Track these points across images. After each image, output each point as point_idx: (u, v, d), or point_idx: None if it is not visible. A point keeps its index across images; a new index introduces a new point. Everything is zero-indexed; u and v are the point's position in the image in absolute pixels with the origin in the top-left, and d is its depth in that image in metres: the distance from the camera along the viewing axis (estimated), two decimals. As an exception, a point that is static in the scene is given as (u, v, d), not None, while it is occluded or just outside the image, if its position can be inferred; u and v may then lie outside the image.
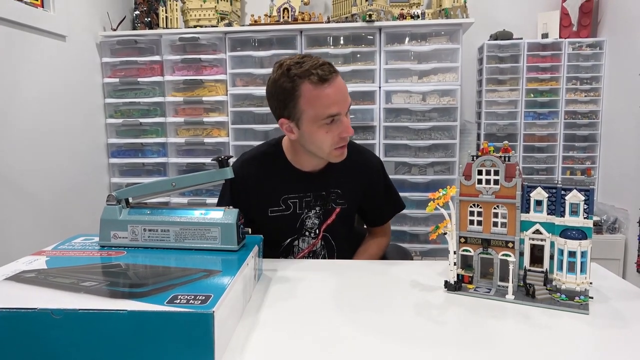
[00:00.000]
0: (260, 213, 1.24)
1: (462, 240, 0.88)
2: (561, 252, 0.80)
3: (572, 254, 0.78)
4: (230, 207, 0.90)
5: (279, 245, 1.28)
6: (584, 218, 0.78)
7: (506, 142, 0.90)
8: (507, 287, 0.84)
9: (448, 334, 0.72)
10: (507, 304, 0.82)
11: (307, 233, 1.28)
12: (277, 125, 1.21)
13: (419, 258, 2.65)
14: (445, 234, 0.88)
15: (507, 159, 0.85)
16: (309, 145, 1.18)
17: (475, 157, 0.85)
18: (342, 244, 1.33)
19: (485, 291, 0.86)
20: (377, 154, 2.64)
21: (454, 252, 0.88)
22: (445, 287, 0.88)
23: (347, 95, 1.14)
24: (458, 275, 0.89)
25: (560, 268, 0.80)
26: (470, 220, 0.87)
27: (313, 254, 1.30)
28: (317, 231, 1.28)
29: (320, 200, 1.27)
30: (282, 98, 1.12)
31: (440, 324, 0.75)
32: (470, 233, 0.87)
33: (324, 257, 1.31)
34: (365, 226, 1.46)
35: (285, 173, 1.25)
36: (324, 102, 1.09)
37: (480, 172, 0.85)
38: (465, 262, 0.90)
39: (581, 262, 0.78)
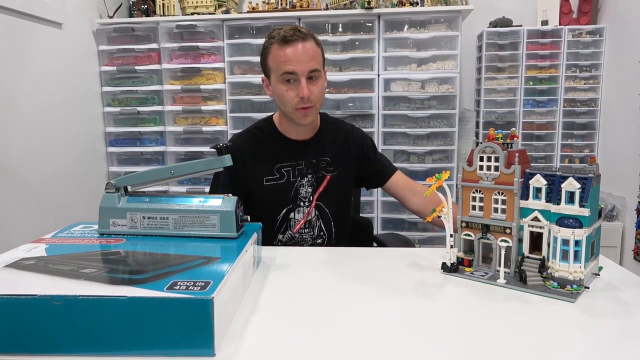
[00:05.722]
0: (256, 183, 1.31)
1: (464, 224, 0.90)
2: (556, 239, 0.80)
3: (565, 242, 0.78)
4: (230, 194, 0.90)
5: (275, 218, 1.31)
6: (580, 206, 0.78)
7: (514, 129, 0.92)
8: (503, 272, 0.84)
9: (435, 311, 0.76)
10: (497, 287, 0.83)
11: (301, 203, 1.33)
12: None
13: (418, 246, 2.66)
14: (439, 216, 0.90)
15: (509, 146, 0.86)
16: (278, 102, 1.29)
17: (478, 144, 0.87)
18: (337, 213, 1.37)
19: (481, 275, 0.87)
20: (376, 142, 2.65)
21: (451, 235, 0.90)
22: (442, 269, 0.91)
23: (310, 60, 1.23)
24: (458, 257, 0.91)
25: (555, 256, 0.81)
26: (472, 205, 0.89)
27: (309, 225, 1.34)
28: (311, 198, 1.33)
29: (311, 168, 1.34)
30: (261, 56, 1.30)
31: (434, 301, 0.79)
32: (471, 218, 0.89)
33: (320, 228, 1.35)
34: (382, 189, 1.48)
35: (277, 143, 1.34)
36: (282, 59, 1.22)
37: (482, 159, 0.86)
38: (468, 246, 0.92)
39: (575, 251, 0.78)
